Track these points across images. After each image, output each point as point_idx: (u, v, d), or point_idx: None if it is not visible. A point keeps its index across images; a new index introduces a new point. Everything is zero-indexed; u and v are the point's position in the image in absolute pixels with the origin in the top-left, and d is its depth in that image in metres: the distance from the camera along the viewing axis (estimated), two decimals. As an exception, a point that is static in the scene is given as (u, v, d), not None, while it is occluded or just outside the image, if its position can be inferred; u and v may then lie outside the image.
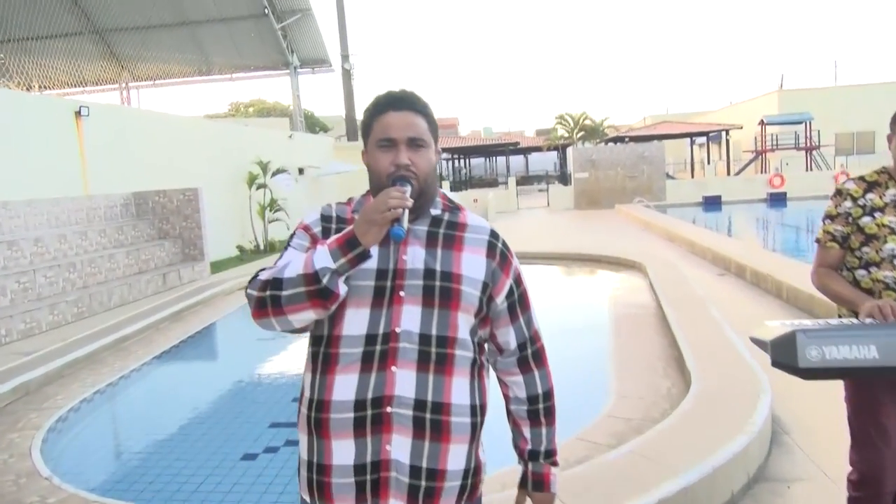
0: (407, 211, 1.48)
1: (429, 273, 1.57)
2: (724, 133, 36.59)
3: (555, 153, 45.08)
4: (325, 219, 1.68)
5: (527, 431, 1.72)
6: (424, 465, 1.52)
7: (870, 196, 2.41)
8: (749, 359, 4.94)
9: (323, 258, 1.47)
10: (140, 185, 12.77)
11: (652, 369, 5.31)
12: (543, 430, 1.72)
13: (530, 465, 1.72)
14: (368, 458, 1.51)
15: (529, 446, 1.72)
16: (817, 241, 2.54)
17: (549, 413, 1.73)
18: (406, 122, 1.60)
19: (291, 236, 1.69)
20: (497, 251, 1.66)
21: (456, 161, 48.14)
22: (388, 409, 1.51)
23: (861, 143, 35.12)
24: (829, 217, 2.50)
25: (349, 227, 1.50)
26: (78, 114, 11.63)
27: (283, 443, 4.61)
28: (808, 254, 12.39)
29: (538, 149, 45.18)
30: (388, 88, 1.70)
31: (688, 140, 39.78)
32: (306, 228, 1.68)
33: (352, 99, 25.96)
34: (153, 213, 12.55)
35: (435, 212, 1.66)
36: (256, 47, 23.44)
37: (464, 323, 1.59)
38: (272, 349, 7.69)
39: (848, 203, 2.44)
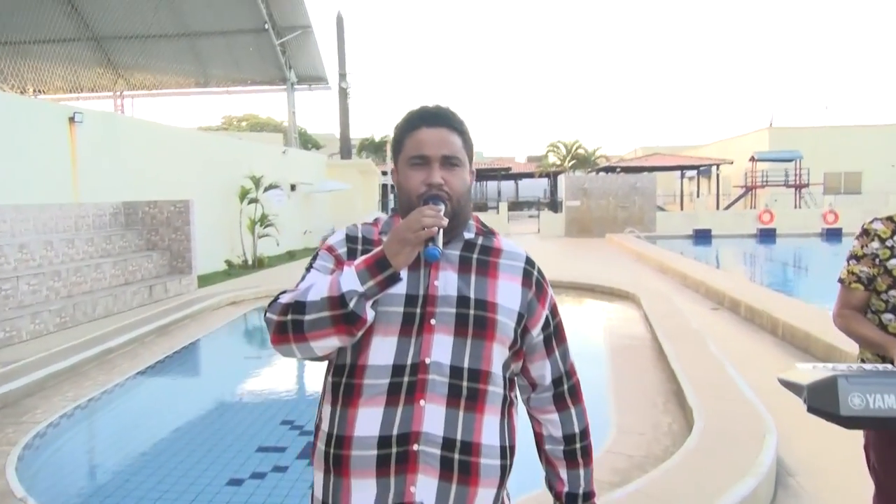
0: (441, 231, 1.38)
1: (462, 300, 1.47)
2: (714, 167, 36.89)
3: (545, 180, 45.27)
4: (351, 239, 1.57)
5: (563, 473, 1.61)
6: None
7: None
8: (751, 396, 4.85)
9: (350, 280, 1.37)
10: (131, 194, 12.60)
11: (651, 404, 5.20)
12: (581, 472, 1.61)
13: None
14: (391, 501, 1.39)
15: (567, 489, 1.61)
16: (840, 281, 2.45)
17: (587, 453, 1.63)
18: (440, 139, 1.51)
19: (314, 257, 1.59)
20: (533, 279, 1.57)
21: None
22: (416, 447, 1.39)
23: (849, 182, 35.52)
24: (855, 257, 2.41)
25: (378, 248, 1.40)
26: (72, 120, 11.48)
27: (270, 468, 4.44)
28: (797, 290, 12.37)
29: (530, 175, 45.37)
30: (421, 104, 1.61)
31: (677, 173, 40.07)
32: (330, 249, 1.57)
33: (347, 117, 25.96)
34: (142, 223, 12.37)
35: (468, 235, 1.56)
36: (255, 62, 23.42)
37: (498, 356, 1.48)
38: (260, 368, 7.53)
39: (875, 244, 2.35)
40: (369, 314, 1.38)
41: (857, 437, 4.64)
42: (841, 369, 1.98)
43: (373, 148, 45.65)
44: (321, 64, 23.95)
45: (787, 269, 18.22)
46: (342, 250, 1.55)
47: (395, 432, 1.39)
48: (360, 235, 1.58)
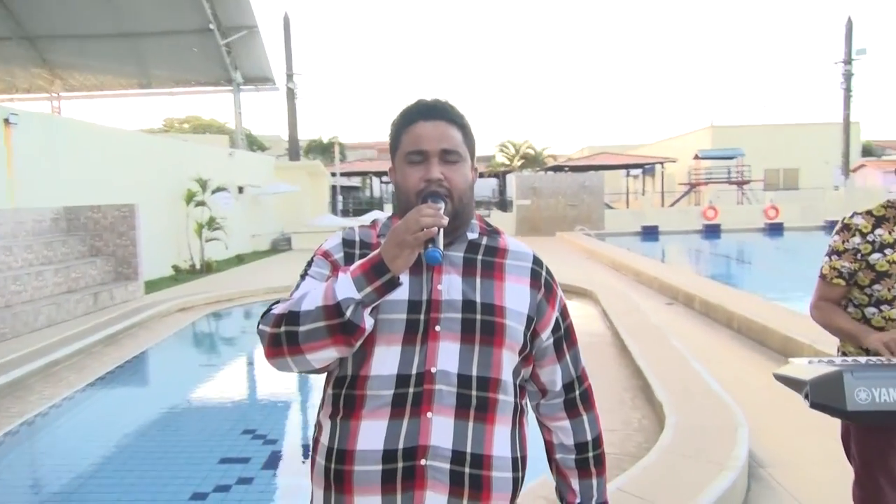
0: (442, 231, 1.29)
1: (468, 305, 1.39)
2: (659, 165, 37.65)
3: (494, 180, 45.48)
4: (348, 244, 1.49)
5: (575, 483, 1.54)
6: None
7: (878, 232, 2.33)
8: (719, 390, 4.90)
9: (346, 287, 1.28)
10: (72, 199, 12.09)
11: (619, 401, 5.20)
12: (594, 482, 1.54)
13: None
14: None
15: (579, 499, 1.54)
16: (822, 276, 2.45)
17: (600, 462, 1.56)
18: (439, 133, 1.42)
19: (308, 264, 1.49)
20: (542, 280, 1.49)
21: (396, 184, 47.87)
22: (423, 462, 1.31)
23: (787, 179, 36.72)
24: (836, 252, 2.41)
25: (375, 251, 1.32)
26: (7, 121, 10.94)
27: (234, 480, 4.27)
28: (743, 283, 12.64)
29: (479, 175, 45.59)
30: (419, 98, 1.50)
31: (623, 171, 40.78)
32: (326, 255, 1.48)
33: (295, 118, 25.57)
34: (85, 228, 11.89)
35: (472, 236, 1.48)
36: (199, 63, 22.82)
37: (507, 362, 1.41)
38: (217, 376, 7.31)
39: (857, 239, 2.35)
40: (368, 322, 1.30)
41: (824, 427, 4.74)
42: (841, 363, 1.97)
43: (320, 149, 45.18)
44: (268, 64, 23.52)
45: (734, 264, 18.69)
46: (338, 255, 1.46)
47: (400, 446, 1.32)
48: (357, 239, 1.49)
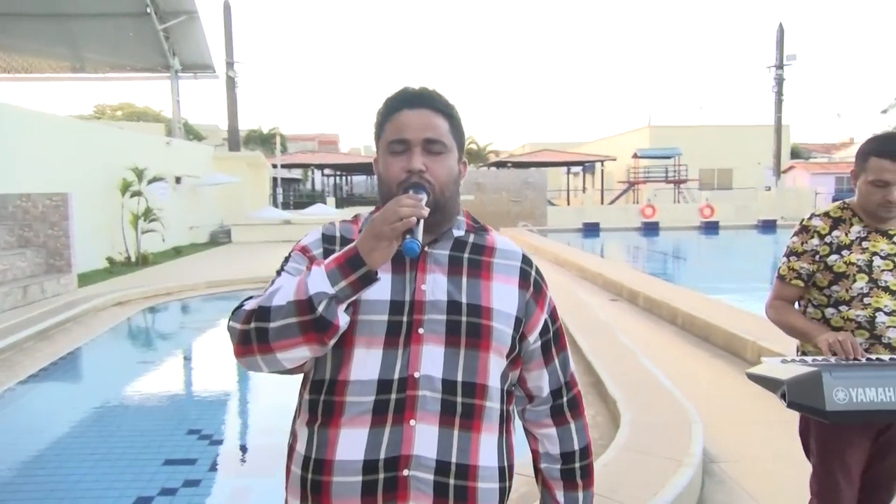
0: (422, 222, 1.22)
1: (453, 306, 1.32)
2: (599, 163, 38.33)
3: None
4: (328, 239, 1.41)
5: (560, 495, 1.47)
6: None
7: (836, 233, 2.38)
8: (670, 386, 4.97)
9: (319, 281, 1.20)
10: (-2, 186, 11.48)
11: (573, 397, 5.23)
12: (580, 495, 1.47)
13: None
14: None
15: None
16: (781, 277, 2.49)
17: (587, 473, 1.49)
18: (423, 122, 1.35)
19: (286, 259, 1.40)
20: (531, 280, 1.42)
21: (338, 178, 47.59)
22: (405, 473, 1.25)
23: (721, 179, 37.89)
24: (795, 254, 2.44)
25: (351, 244, 1.23)
26: (-74, 104, 10.31)
27: (180, 483, 4.12)
28: (683, 279, 12.95)
29: (422, 169, 45.52)
30: (403, 86, 1.42)
31: (563, 168, 41.36)
32: (304, 250, 1.40)
33: (235, 107, 24.96)
34: (13, 218, 11.29)
35: (458, 233, 1.41)
36: (135, 47, 21.93)
37: (495, 367, 1.34)
38: (158, 373, 7.05)
39: (815, 241, 2.39)
40: (342, 320, 1.22)
41: (772, 422, 4.86)
42: (818, 363, 1.99)
43: (260, 140, 44.31)
44: (207, 51, 22.82)
45: (673, 261, 19.16)
46: (317, 251, 1.38)
47: (382, 456, 1.25)
48: (338, 235, 1.41)
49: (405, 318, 1.29)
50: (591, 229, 24.67)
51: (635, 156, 34.68)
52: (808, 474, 3.97)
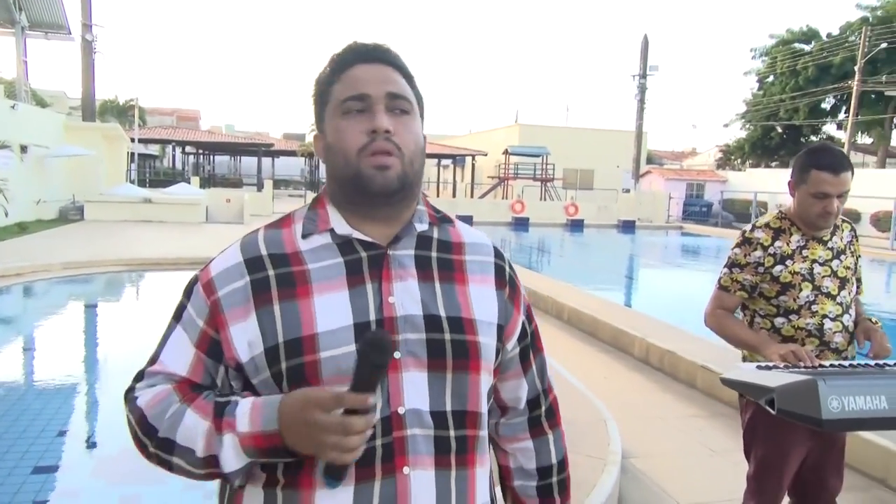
0: (353, 463, 0.99)
1: (431, 322, 1.08)
2: (470, 158, 38.90)
3: (303, 159, 44.35)
4: (252, 265, 1.09)
5: None
6: None
7: (778, 244, 2.44)
8: (577, 382, 5.03)
9: (231, 459, 1.00)
10: None
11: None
12: None
13: None
14: None
15: None
16: (723, 287, 2.53)
17: (564, 488, 1.33)
18: (383, 75, 1.10)
19: (184, 298, 1.12)
20: (506, 277, 1.22)
21: (200, 157, 45.19)
22: None
23: (583, 179, 39.59)
24: (738, 265, 2.49)
25: (272, 425, 0.98)
26: None
27: (57, 493, 3.66)
28: (554, 275, 13.38)
29: (292, 153, 44.10)
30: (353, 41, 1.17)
31: (433, 161, 41.64)
32: (208, 289, 1.09)
33: (91, 74, 22.98)
34: None
35: (421, 227, 1.15)
36: (-27, -3, 19.66)
37: (484, 389, 1.13)
38: (24, 363, 6.28)
39: (758, 252, 2.44)
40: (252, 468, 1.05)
41: (669, 417, 5.03)
42: (796, 370, 2.00)
43: (116, 111, 41.25)
44: (61, 9, 20.82)
45: (545, 256, 19.80)
46: (228, 288, 1.08)
47: None
48: (264, 253, 1.10)
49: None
50: (465, 222, 24.94)
51: (506, 152, 35.48)
52: (712, 468, 4.13)
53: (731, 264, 2.50)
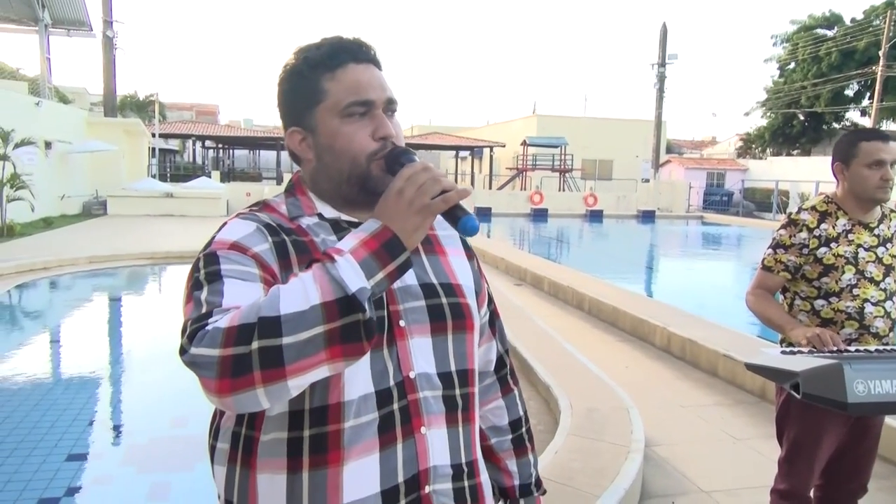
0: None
1: (428, 289, 1.15)
2: (489, 149, 38.85)
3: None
4: (272, 229, 1.09)
5: (513, 465, 1.39)
6: None
7: (823, 226, 2.45)
8: (598, 371, 5.04)
9: (351, 274, 0.90)
10: None
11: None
12: (530, 457, 1.41)
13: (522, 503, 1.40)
14: None
15: (518, 481, 1.39)
16: (767, 268, 2.53)
17: (531, 435, 1.44)
18: (379, 80, 1.15)
19: (214, 261, 1.02)
20: (471, 249, 1.33)
21: (220, 151, 45.50)
22: (427, 490, 1.10)
23: (602, 169, 39.37)
24: (783, 246, 2.49)
25: (374, 223, 0.97)
26: None
27: (89, 481, 3.74)
28: (575, 265, 13.35)
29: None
30: (334, 34, 1.19)
31: (450, 153, 41.62)
32: (238, 248, 1.04)
33: (112, 70, 23.21)
34: None
35: None
36: (-3, -5, 19.90)
37: (477, 347, 1.24)
38: (59, 351, 6.41)
39: (804, 234, 2.45)
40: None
41: (689, 405, 5.03)
42: (835, 355, 2.00)
43: (136, 107, 41.60)
44: (83, 6, 21.03)
45: (565, 247, 19.76)
46: (261, 248, 1.06)
47: (400, 479, 1.07)
48: (273, 223, 1.11)
49: (382, 312, 1.09)
50: (484, 214, 24.91)
51: (524, 143, 35.37)
52: (734, 455, 4.12)
53: (776, 245, 2.51)
